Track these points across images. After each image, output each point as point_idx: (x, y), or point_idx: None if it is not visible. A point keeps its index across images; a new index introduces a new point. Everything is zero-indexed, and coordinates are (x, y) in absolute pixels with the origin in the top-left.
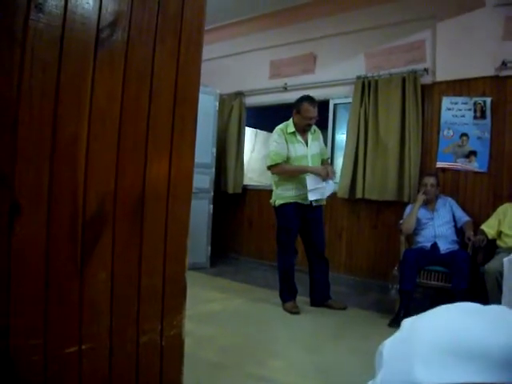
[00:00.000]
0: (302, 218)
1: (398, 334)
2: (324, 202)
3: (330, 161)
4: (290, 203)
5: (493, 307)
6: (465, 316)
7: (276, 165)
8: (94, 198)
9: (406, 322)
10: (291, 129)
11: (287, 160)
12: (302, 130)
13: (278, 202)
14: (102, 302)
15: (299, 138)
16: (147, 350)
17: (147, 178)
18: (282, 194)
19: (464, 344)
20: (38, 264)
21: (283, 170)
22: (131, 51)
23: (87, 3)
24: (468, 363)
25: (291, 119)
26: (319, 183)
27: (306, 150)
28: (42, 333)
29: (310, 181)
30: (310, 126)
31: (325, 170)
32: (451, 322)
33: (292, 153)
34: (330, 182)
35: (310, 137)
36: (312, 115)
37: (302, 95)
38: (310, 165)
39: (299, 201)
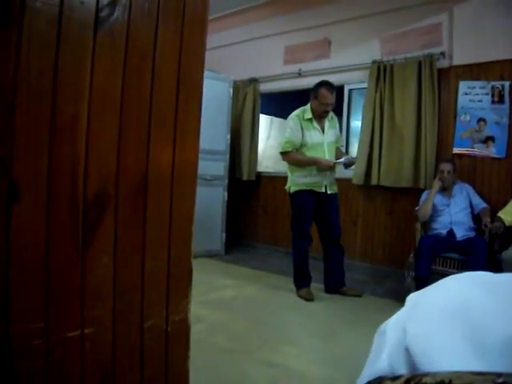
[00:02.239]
0: (316, 205)
1: (402, 310)
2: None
3: (344, 149)
4: (305, 190)
5: (508, 277)
6: (474, 290)
7: (286, 152)
8: (94, 180)
9: (411, 297)
10: (308, 115)
11: (303, 147)
12: (319, 116)
13: (293, 189)
14: (104, 286)
15: (316, 124)
16: (152, 335)
17: (150, 159)
18: (297, 181)
19: (474, 327)
20: (37, 248)
21: (291, 159)
22: (132, 32)
23: None
24: (469, 348)
25: (308, 105)
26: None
27: (323, 137)
28: (43, 317)
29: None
30: (326, 112)
31: (330, 166)
32: (459, 297)
33: (308, 140)
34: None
35: (326, 124)
36: (329, 101)
37: (320, 80)
38: (326, 152)
39: (314, 188)
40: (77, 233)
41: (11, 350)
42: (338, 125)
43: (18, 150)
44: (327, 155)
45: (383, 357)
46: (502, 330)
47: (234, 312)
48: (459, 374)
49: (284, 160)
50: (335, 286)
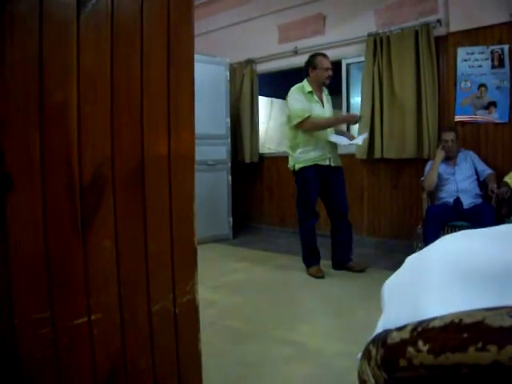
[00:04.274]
0: (322, 181)
1: (400, 270)
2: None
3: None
4: (311, 166)
5: (502, 227)
6: (474, 241)
7: (303, 120)
8: (89, 164)
9: (410, 258)
10: (308, 88)
11: None
12: (321, 85)
13: (298, 166)
14: (108, 271)
15: (316, 97)
16: (160, 318)
17: (145, 141)
18: (302, 158)
19: (474, 268)
20: (36, 236)
21: (312, 125)
22: (117, 11)
23: None
24: (479, 287)
25: (305, 80)
26: (343, 141)
27: (323, 109)
28: (47, 306)
29: (336, 138)
30: (328, 78)
31: (354, 117)
32: (460, 248)
33: (311, 112)
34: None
35: (324, 98)
36: (328, 66)
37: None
38: None
39: (319, 162)
40: (75, 218)
41: (17, 340)
42: (330, 101)
43: (9, 138)
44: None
45: (386, 313)
46: (497, 265)
47: (246, 294)
48: (470, 313)
49: (304, 130)
50: (341, 261)
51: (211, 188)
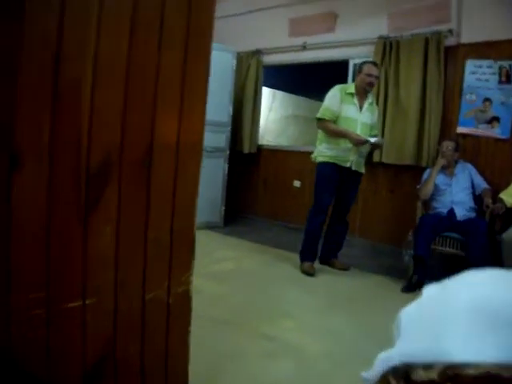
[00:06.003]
0: (340, 181)
1: (421, 300)
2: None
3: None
4: (329, 163)
5: None
6: (501, 283)
7: (322, 120)
8: (98, 149)
9: (430, 288)
10: (351, 90)
11: (337, 119)
12: (363, 91)
13: (319, 159)
14: (106, 257)
15: (355, 100)
16: (153, 307)
17: (156, 128)
18: (324, 152)
19: (505, 316)
20: (39, 218)
21: (325, 127)
22: None
23: None
24: (510, 336)
25: (354, 82)
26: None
27: (359, 114)
28: (44, 287)
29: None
30: (371, 85)
31: (362, 143)
32: (488, 289)
33: (343, 112)
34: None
35: (366, 105)
36: (373, 72)
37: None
38: (358, 129)
39: (337, 162)
40: (79, 202)
41: (11, 319)
42: (376, 114)
43: (20, 118)
44: (359, 133)
45: (403, 343)
46: None
47: (232, 285)
48: (508, 366)
49: (318, 127)
50: (327, 256)
51: (207, 174)
